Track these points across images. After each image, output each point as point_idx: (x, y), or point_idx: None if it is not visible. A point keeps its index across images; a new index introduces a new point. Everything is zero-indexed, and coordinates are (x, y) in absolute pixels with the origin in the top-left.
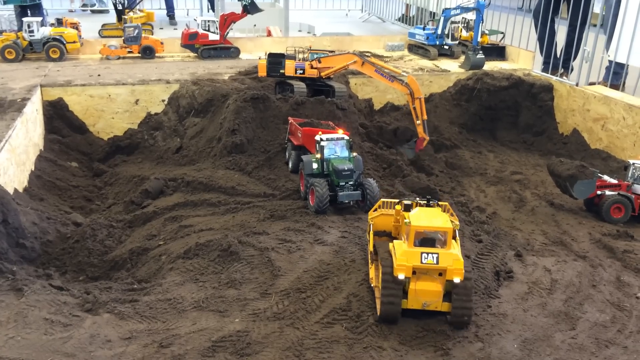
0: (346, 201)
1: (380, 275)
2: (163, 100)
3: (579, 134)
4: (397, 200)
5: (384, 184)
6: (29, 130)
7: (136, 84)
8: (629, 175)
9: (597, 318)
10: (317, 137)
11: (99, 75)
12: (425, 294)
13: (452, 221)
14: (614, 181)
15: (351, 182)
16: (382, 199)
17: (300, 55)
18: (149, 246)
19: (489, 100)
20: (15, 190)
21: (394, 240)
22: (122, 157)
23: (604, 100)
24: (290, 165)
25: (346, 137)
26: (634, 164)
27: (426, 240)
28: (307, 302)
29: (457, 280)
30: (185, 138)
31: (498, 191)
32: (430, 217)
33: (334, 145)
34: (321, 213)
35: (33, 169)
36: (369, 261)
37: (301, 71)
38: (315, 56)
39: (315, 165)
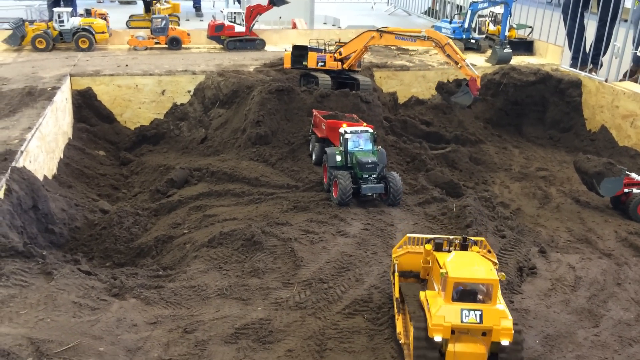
0: (369, 194)
1: (412, 333)
2: (189, 91)
3: (607, 131)
4: (426, 237)
5: (407, 178)
6: (58, 119)
7: (163, 74)
8: None
9: (621, 316)
10: (341, 130)
11: (126, 65)
12: (467, 357)
13: (495, 269)
14: None
15: (374, 175)
16: (408, 235)
17: (329, 48)
18: (174, 234)
19: (515, 95)
20: (45, 177)
21: (427, 291)
22: (148, 146)
23: (634, 96)
24: (313, 157)
25: (370, 130)
26: None
27: (466, 293)
28: (328, 293)
29: (505, 342)
30: (210, 129)
31: (523, 187)
32: (470, 266)
33: (357, 137)
34: (344, 205)
35: (62, 157)
36: (395, 310)
37: (322, 63)
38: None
39: (338, 158)
